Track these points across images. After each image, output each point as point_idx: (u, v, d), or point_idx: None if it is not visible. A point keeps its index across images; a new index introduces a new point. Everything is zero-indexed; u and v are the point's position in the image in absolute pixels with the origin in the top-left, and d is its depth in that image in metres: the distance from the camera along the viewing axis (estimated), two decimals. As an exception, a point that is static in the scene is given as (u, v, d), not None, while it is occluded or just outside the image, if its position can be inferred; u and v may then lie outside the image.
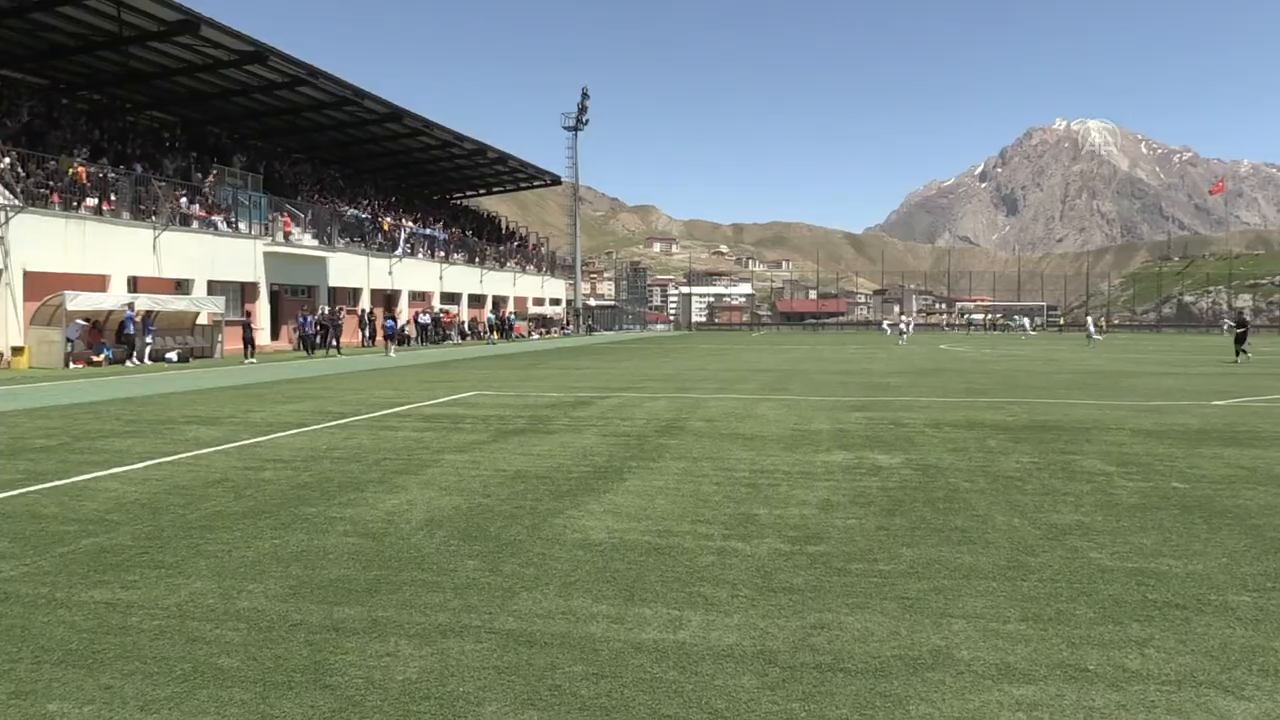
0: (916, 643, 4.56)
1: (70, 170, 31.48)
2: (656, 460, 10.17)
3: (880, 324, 70.26)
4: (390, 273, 51.64)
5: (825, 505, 7.76)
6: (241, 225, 40.90)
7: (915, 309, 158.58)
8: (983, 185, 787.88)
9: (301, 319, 37.70)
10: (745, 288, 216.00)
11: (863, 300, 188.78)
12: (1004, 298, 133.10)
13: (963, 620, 4.89)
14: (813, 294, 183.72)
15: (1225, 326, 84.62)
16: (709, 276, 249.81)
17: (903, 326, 61.33)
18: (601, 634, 4.69)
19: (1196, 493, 8.32)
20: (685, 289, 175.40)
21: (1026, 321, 72.30)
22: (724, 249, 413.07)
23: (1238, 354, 31.44)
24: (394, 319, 41.97)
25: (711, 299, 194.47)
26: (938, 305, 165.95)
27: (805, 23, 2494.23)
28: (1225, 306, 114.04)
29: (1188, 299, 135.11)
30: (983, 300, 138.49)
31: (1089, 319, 62.47)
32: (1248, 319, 35.41)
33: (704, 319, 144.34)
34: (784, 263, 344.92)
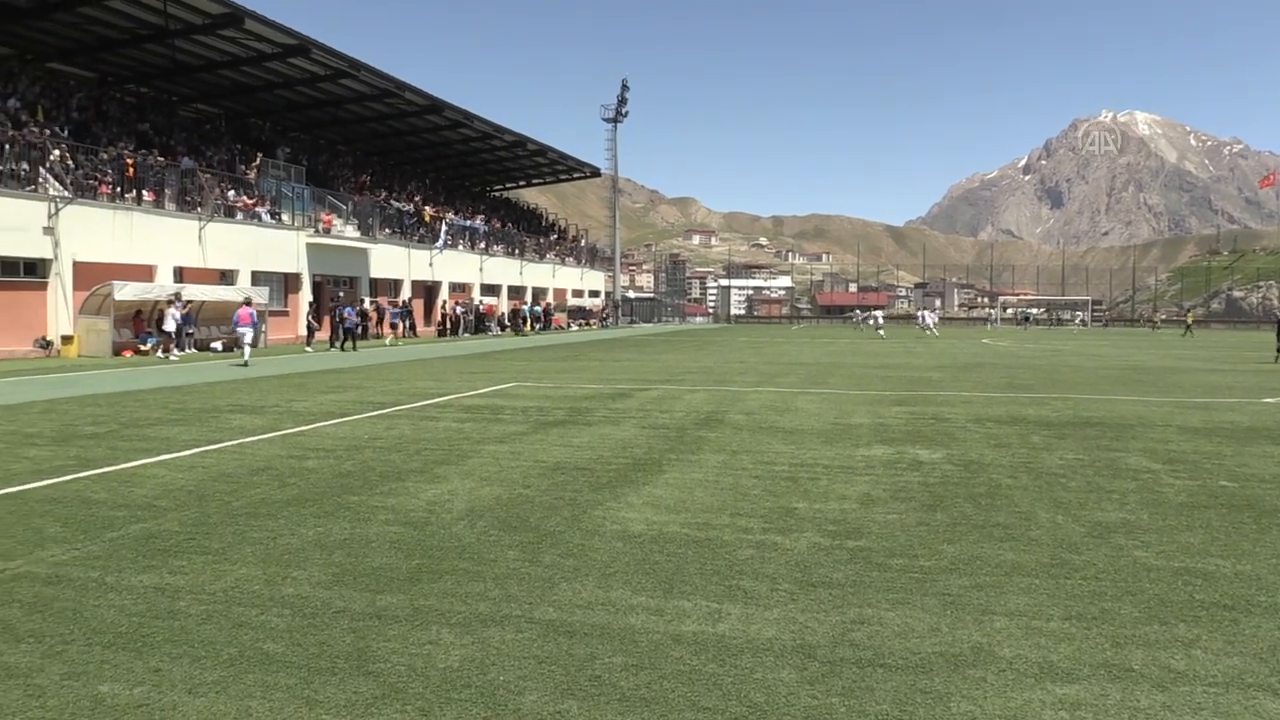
0: (958, 639, 4.53)
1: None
2: (695, 453, 10.17)
3: (917, 316, 69.66)
4: (431, 264, 51.96)
5: (865, 500, 7.72)
6: (285, 216, 41.36)
7: (957, 303, 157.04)
8: (1026, 178, 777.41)
9: (341, 309, 37.53)
10: (785, 280, 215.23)
11: (904, 293, 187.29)
12: (1048, 291, 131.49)
13: (1005, 618, 4.85)
14: (853, 287, 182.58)
15: (1078, 322, 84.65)
16: (748, 269, 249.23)
17: (876, 320, 62.29)
18: (641, 625, 4.70)
19: (1246, 491, 8.18)
20: (724, 281, 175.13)
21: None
22: (763, 241, 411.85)
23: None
24: (355, 309, 38.43)
25: (751, 292, 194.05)
26: (980, 299, 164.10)
27: (845, 12, 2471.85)
28: (1275, 301, 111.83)
29: (1237, 294, 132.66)
30: (1025, 294, 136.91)
31: (923, 311, 63.30)
32: None
33: (743, 312, 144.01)
34: (824, 255, 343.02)
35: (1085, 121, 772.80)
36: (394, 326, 40.38)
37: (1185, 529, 6.78)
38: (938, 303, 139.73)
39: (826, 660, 4.25)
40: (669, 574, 5.59)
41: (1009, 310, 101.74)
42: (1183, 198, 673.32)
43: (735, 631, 4.62)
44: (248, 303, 26.42)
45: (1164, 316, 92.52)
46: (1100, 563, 5.88)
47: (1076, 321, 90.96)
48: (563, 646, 4.40)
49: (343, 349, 33.32)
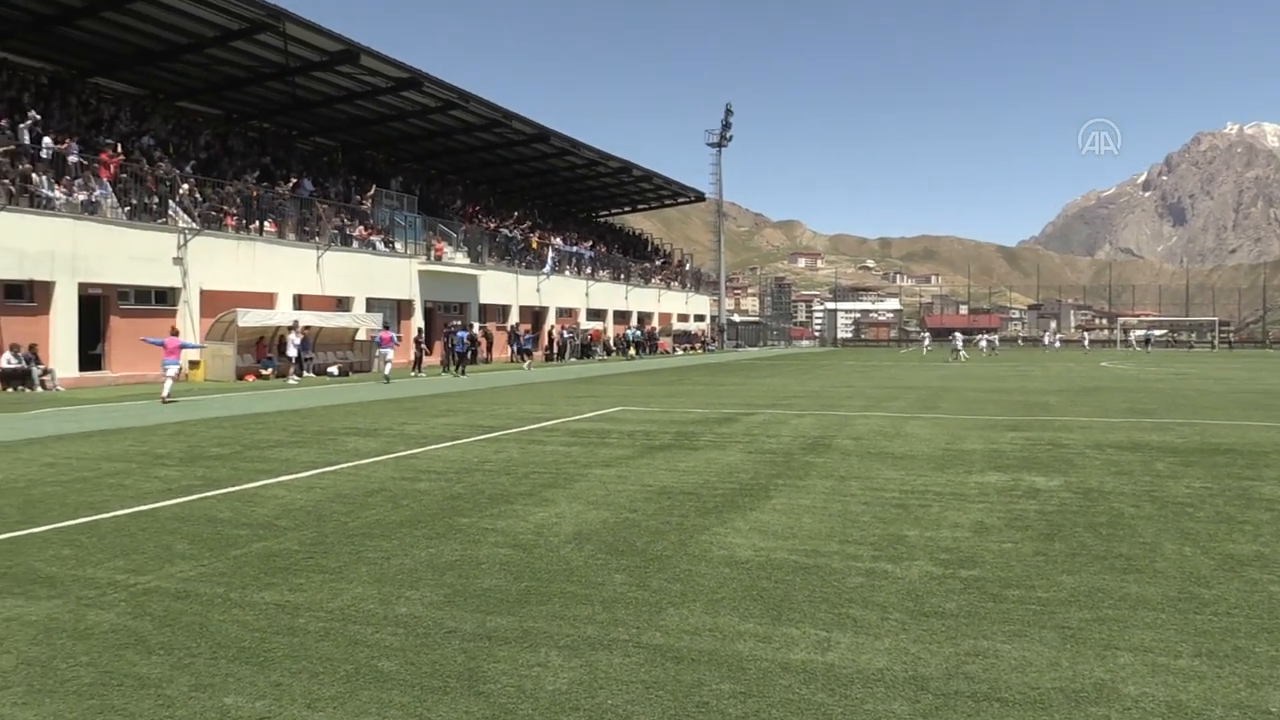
0: (1079, 675, 4.36)
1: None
2: (803, 479, 10.06)
3: (948, 343, 66.12)
4: (538, 290, 52.78)
5: (979, 528, 7.52)
6: (398, 245, 42.60)
7: (1073, 324, 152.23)
8: (1146, 194, 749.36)
9: (455, 334, 38.02)
10: (893, 303, 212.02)
11: (1017, 315, 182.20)
12: (1171, 312, 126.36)
13: (1129, 653, 4.65)
14: (964, 309, 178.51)
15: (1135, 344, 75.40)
16: (855, 292, 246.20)
17: (961, 345, 61.17)
18: (749, 652, 4.66)
19: (1392, 524, 7.69)
20: (831, 304, 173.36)
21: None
22: (870, 263, 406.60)
23: None
24: (466, 333, 36.78)
25: (858, 314, 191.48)
26: (1098, 320, 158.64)
27: (951, 28, 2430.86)
28: None
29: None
30: (1146, 315, 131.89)
31: (958, 336, 61.58)
32: None
33: (850, 335, 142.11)
34: (933, 277, 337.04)
35: (1209, 135, 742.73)
36: (528, 352, 41.36)
37: (1326, 563, 6.41)
38: (1053, 324, 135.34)
39: (940, 693, 4.14)
40: (777, 601, 5.53)
41: (1130, 333, 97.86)
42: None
43: (845, 661, 4.54)
44: (387, 328, 33.04)
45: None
46: (1232, 597, 5.60)
47: (1132, 343, 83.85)
48: (670, 672, 4.39)
49: (458, 373, 33.83)
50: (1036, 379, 31.35)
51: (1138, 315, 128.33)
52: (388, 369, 29.58)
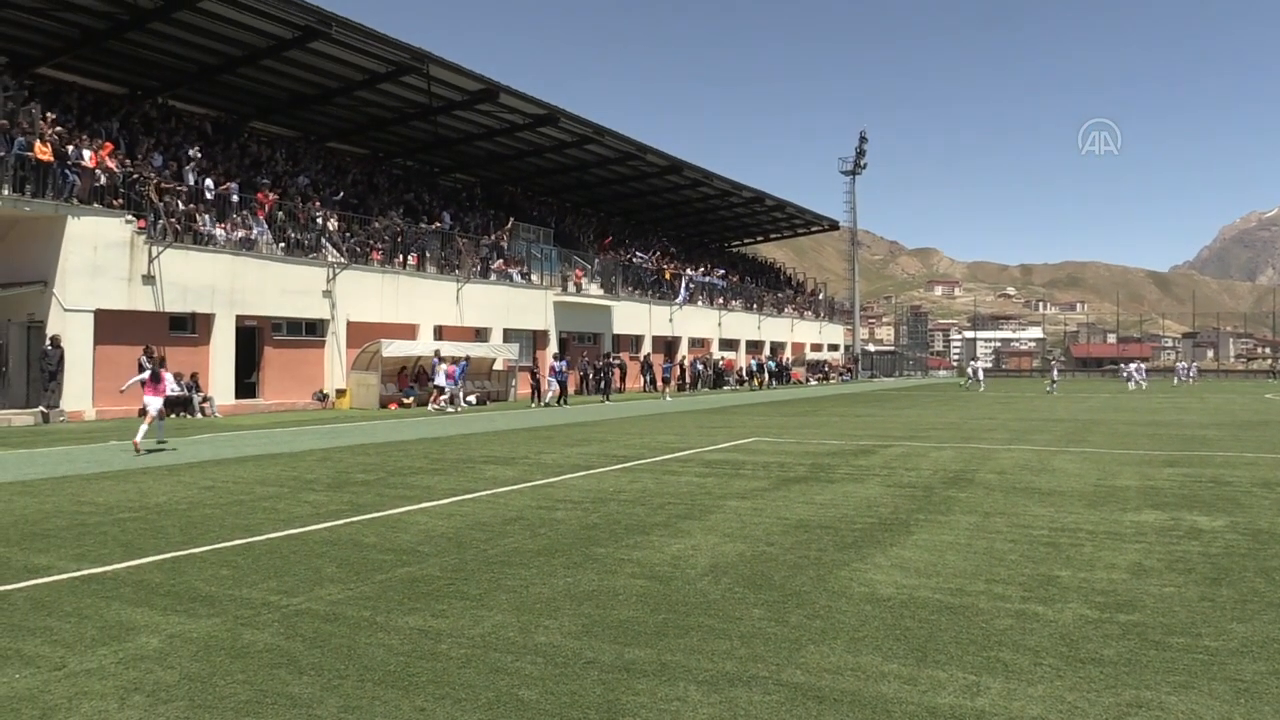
0: (1256, 731, 4.06)
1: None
2: (945, 514, 9.75)
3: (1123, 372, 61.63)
4: (671, 320, 53.02)
5: (1137, 570, 7.13)
6: (534, 277, 43.48)
7: (1233, 354, 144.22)
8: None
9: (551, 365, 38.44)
10: (1035, 331, 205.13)
11: (1170, 344, 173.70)
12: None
13: (1312, 709, 4.31)
14: (1111, 338, 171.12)
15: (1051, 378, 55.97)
16: (995, 320, 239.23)
17: (972, 372, 59.27)
18: (893, 694, 4.51)
19: None
20: (969, 333, 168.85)
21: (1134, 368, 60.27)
22: (1011, 291, 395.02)
23: None
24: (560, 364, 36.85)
25: (998, 344, 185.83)
26: (1260, 349, 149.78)
27: (1093, 41, 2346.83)
28: None
29: None
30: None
31: (973, 363, 59.40)
32: None
33: (990, 365, 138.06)
34: (1078, 304, 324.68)
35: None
36: (666, 381, 41.84)
37: None
38: (1210, 354, 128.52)
39: (1101, 745, 3.92)
40: (921, 641, 5.35)
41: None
42: None
43: (996, 707, 4.35)
44: (556, 358, 36.22)
45: None
46: None
47: (1182, 373, 70.27)
48: (812, 711, 4.28)
49: (558, 403, 34.15)
50: (1193, 411, 29.74)
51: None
52: (548, 397, 33.97)
